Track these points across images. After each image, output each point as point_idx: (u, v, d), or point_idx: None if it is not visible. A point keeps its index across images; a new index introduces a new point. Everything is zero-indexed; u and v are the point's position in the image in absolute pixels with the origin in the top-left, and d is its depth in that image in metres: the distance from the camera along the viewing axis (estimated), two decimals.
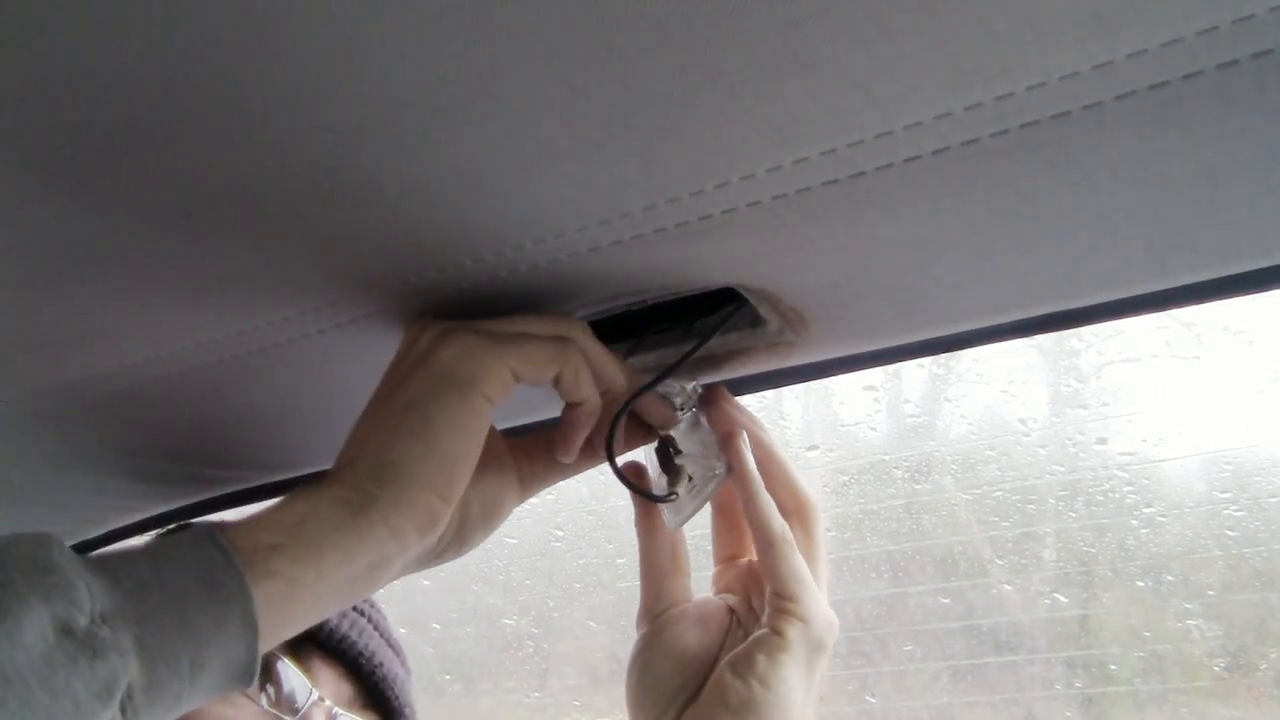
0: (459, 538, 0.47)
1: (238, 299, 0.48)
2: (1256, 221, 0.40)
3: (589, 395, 0.46)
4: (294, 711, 0.64)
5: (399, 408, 0.42)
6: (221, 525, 0.38)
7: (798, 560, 0.50)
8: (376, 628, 0.73)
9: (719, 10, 0.29)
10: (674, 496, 0.51)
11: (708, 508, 0.57)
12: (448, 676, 1.52)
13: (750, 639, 0.50)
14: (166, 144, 0.36)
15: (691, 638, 0.52)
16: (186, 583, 0.35)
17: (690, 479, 0.52)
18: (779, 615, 0.49)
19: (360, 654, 0.70)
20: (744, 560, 0.56)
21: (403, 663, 0.75)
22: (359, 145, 0.36)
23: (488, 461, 0.46)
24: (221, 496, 0.82)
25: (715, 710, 0.48)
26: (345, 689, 0.70)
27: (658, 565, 0.53)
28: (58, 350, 0.54)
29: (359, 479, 0.41)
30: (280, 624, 0.38)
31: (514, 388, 0.44)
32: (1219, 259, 0.43)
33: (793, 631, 0.48)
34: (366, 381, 0.46)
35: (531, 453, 0.51)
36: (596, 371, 0.47)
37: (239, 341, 0.52)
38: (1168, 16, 0.28)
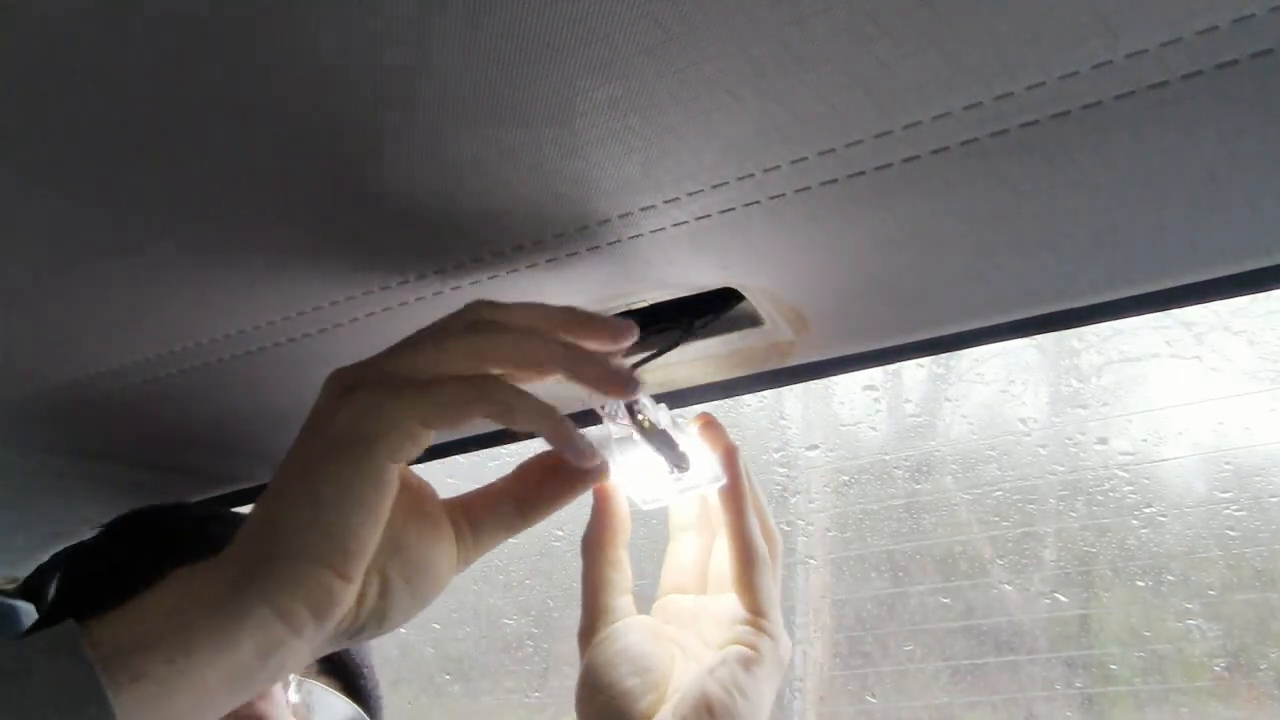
0: (380, 612, 0.41)
1: (236, 299, 0.48)
2: (1256, 221, 0.40)
3: (538, 421, 0.39)
4: None
5: (289, 473, 0.38)
6: (89, 625, 0.34)
7: (771, 581, 0.52)
8: None
9: (718, 9, 0.29)
10: (684, 467, 0.49)
11: (663, 531, 0.57)
12: (448, 676, 1.52)
13: (726, 652, 0.50)
14: (166, 145, 0.36)
15: (649, 647, 0.52)
16: (42, 707, 0.31)
17: (678, 469, 0.51)
18: (753, 632, 0.50)
19: None
20: (690, 597, 0.56)
21: None
22: (358, 145, 0.36)
23: (416, 524, 0.42)
24: (221, 496, 0.82)
25: (698, 718, 0.48)
26: None
27: (607, 580, 0.53)
28: (58, 350, 0.54)
29: (245, 555, 0.37)
30: None
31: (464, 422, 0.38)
32: (1219, 259, 0.43)
33: (765, 647, 0.50)
34: None
35: (474, 511, 0.44)
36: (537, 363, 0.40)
37: (239, 341, 0.52)
38: (1168, 16, 0.28)
